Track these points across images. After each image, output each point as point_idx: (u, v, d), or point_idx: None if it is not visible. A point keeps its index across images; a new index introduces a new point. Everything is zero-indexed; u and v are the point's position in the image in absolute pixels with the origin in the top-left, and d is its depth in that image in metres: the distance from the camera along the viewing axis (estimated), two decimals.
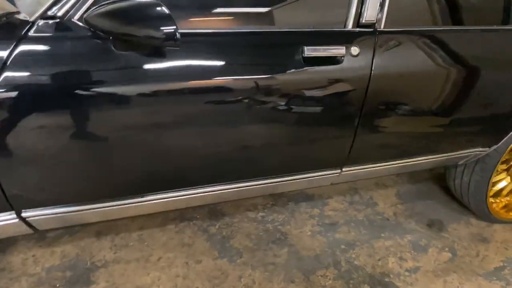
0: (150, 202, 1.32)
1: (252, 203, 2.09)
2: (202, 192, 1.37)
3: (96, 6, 0.99)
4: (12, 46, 0.98)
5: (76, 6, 1.02)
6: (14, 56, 0.97)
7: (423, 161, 1.69)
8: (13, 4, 1.21)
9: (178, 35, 0.99)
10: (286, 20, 1.29)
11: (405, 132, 1.53)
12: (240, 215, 2.01)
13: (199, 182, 1.35)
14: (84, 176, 1.17)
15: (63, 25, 1.02)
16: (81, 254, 1.72)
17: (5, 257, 1.66)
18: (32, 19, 1.01)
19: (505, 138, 1.74)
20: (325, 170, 1.52)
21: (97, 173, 1.18)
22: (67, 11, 1.02)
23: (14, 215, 1.18)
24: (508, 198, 2.16)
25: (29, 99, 1.00)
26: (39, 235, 1.78)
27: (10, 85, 0.97)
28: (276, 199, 2.14)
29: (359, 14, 1.29)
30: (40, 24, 1.00)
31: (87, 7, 1.02)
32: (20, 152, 1.05)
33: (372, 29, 1.32)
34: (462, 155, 1.76)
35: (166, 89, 1.11)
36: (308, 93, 1.27)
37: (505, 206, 2.15)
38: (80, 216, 1.26)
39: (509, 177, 2.07)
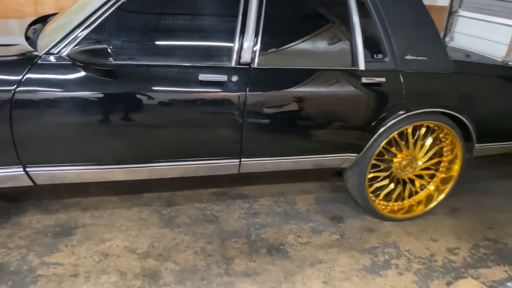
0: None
1: (200, 198, 2.82)
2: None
3: (75, 47, 1.87)
4: (27, 69, 1.85)
5: (63, 48, 1.90)
6: (27, 74, 1.85)
7: (304, 159, 2.40)
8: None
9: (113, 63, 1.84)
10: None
11: (281, 134, 2.28)
12: (189, 205, 2.73)
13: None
14: (80, 147, 1.99)
15: (57, 58, 1.90)
16: (69, 219, 2.48)
17: (18, 218, 2.45)
18: (40, 54, 1.90)
19: (366, 147, 2.43)
20: (227, 159, 2.26)
21: (85, 145, 2.00)
22: (59, 50, 1.90)
23: (21, 169, 1.99)
24: (399, 203, 2.78)
25: (35, 100, 1.85)
26: (43, 207, 2.57)
27: (25, 93, 1.84)
28: (219, 196, 2.85)
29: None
30: (43, 57, 1.89)
31: (70, 48, 1.90)
32: (34, 131, 1.90)
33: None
34: (338, 157, 2.46)
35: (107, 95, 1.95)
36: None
37: (398, 210, 2.76)
38: (69, 175, 2.06)
39: (392, 184, 2.71)
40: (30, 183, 2.07)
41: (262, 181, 3.08)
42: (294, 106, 2.24)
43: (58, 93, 1.89)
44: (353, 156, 2.47)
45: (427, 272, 2.30)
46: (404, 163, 2.63)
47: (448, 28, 4.59)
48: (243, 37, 2.11)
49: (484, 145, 2.71)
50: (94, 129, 2.00)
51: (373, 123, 2.38)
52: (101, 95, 1.94)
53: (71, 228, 2.40)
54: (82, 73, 1.91)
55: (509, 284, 2.07)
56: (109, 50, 1.84)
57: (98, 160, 2.09)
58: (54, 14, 2.85)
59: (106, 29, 1.96)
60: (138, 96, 2.00)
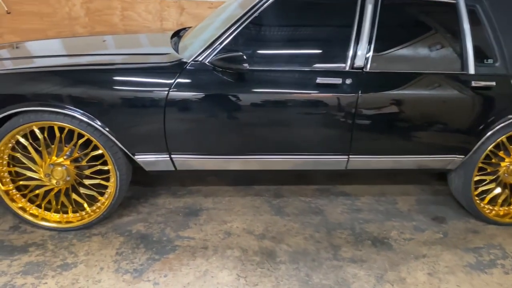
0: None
1: (304, 192, 3.07)
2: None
3: (214, 56, 2.25)
4: (178, 74, 2.27)
5: (206, 56, 2.29)
6: (178, 78, 2.26)
7: (409, 159, 2.54)
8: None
9: (248, 68, 2.19)
10: None
11: (388, 133, 2.46)
12: (294, 197, 3.00)
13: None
14: (215, 140, 2.38)
15: (201, 65, 2.29)
16: (194, 203, 2.89)
17: (154, 199, 2.91)
18: (188, 61, 2.31)
19: (473, 149, 2.50)
20: (337, 155, 2.50)
21: (220, 138, 2.38)
22: (203, 58, 2.29)
23: (168, 156, 2.42)
24: (505, 208, 2.78)
25: (183, 99, 2.26)
26: (172, 191, 3.01)
27: (176, 93, 2.25)
28: (322, 192, 3.09)
29: None
30: (191, 63, 2.29)
31: (211, 56, 2.28)
32: (180, 125, 2.31)
33: None
34: (443, 159, 2.56)
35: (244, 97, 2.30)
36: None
37: (504, 215, 2.76)
38: (204, 163, 2.46)
39: (499, 188, 2.72)
40: (172, 168, 2.49)
41: (362, 181, 3.25)
42: (402, 108, 2.40)
43: (201, 94, 2.28)
44: (459, 158, 2.56)
45: None
46: None
47: None
48: (357, 44, 2.34)
49: None
50: (227, 125, 2.36)
51: (481, 126, 2.45)
52: (233, 96, 2.29)
53: (197, 210, 2.80)
54: (220, 77, 2.28)
55: None
56: (244, 57, 2.18)
57: (227, 151, 2.45)
58: (185, 29, 3.33)
59: (239, 40, 2.32)
60: (264, 96, 2.33)
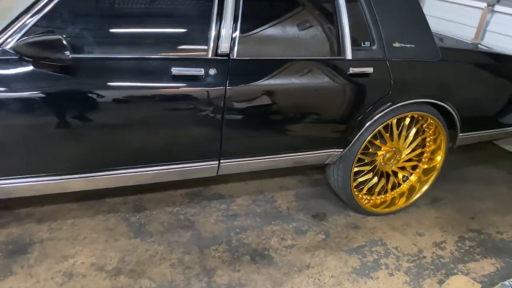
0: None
1: (171, 200, 2.57)
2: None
3: (19, 39, 1.55)
4: None
5: (7, 39, 1.57)
6: None
7: (286, 157, 2.21)
8: None
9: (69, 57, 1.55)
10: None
11: (266, 131, 2.08)
12: (159, 209, 2.48)
13: None
14: (32, 155, 1.68)
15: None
16: (23, 233, 2.17)
17: None
18: None
19: (352, 141, 2.28)
20: (204, 161, 2.04)
21: (48, 153, 1.70)
22: (2, 42, 1.57)
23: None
24: (381, 196, 2.68)
25: None
26: None
27: None
28: (193, 198, 2.62)
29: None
30: None
31: (15, 40, 1.57)
32: None
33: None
34: (322, 154, 2.29)
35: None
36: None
37: (381, 204, 2.66)
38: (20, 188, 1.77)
39: (376, 177, 2.59)
40: None
41: (238, 178, 2.87)
42: (276, 100, 2.04)
43: (3, 93, 1.57)
44: (338, 151, 2.32)
45: (417, 271, 2.21)
46: (388, 155, 2.51)
47: None
48: (220, 22, 1.86)
49: (467, 134, 2.64)
50: (48, 134, 1.71)
51: (360, 116, 2.22)
52: (54, 95, 1.64)
53: (26, 244, 2.10)
54: (31, 69, 1.60)
55: (506, 283, 2.02)
56: (64, 42, 1.53)
57: (55, 169, 1.80)
58: None
59: (60, 15, 1.65)
60: (100, 94, 1.72)
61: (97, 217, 2.36)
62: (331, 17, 2.10)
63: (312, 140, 2.23)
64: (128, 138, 1.86)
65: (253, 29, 1.97)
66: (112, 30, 1.80)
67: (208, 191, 2.71)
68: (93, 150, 1.82)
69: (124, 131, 1.84)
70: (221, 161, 2.07)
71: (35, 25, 1.61)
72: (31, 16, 1.61)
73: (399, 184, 2.72)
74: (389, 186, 2.66)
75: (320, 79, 2.09)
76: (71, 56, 1.56)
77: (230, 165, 2.11)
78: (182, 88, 1.84)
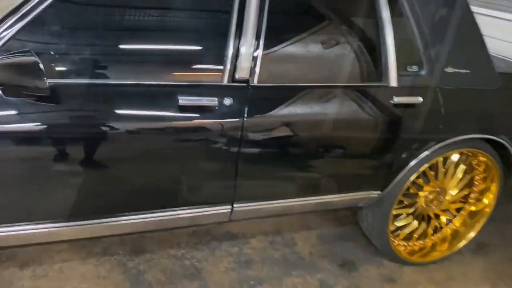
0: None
1: (176, 241, 2.23)
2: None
3: None
4: None
5: None
6: None
7: (314, 201, 1.85)
8: None
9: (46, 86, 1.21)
10: None
11: (289, 170, 1.72)
12: (162, 252, 2.14)
13: None
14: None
15: None
16: (1, 281, 1.85)
17: None
18: None
19: (392, 183, 1.91)
20: (212, 207, 1.69)
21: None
22: None
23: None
24: (420, 242, 2.29)
25: None
26: None
27: None
28: (201, 238, 2.27)
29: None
30: None
31: None
32: None
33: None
34: (355, 197, 1.93)
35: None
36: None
37: (419, 250, 2.28)
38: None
39: (416, 221, 2.21)
40: None
41: None
42: (302, 135, 1.69)
43: None
44: (375, 194, 1.95)
45: None
46: (431, 196, 2.13)
47: None
48: (239, 39, 1.52)
49: None
50: (31, 177, 1.39)
51: (404, 154, 1.85)
52: (32, 132, 1.32)
53: None
54: (2, 99, 1.27)
55: None
56: (41, 66, 1.20)
57: (39, 217, 1.48)
58: None
59: (34, 32, 1.32)
60: (89, 130, 1.39)
61: (90, 260, 2.02)
62: (373, 35, 1.74)
63: (344, 181, 1.87)
64: (126, 181, 1.53)
65: (279, 49, 1.63)
66: (105, 49, 1.46)
67: (218, 229, 2.35)
68: (85, 195, 1.49)
69: (121, 172, 1.51)
70: (235, 205, 1.72)
71: (12, 38, 1.29)
72: (7, 28, 1.29)
73: (441, 228, 2.33)
74: (430, 230, 2.27)
75: (356, 110, 1.72)
76: (48, 84, 1.22)
77: (246, 210, 1.76)
78: (190, 120, 1.50)
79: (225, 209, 1.72)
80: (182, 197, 1.64)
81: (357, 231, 2.44)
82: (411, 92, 1.77)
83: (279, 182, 1.75)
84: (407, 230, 2.20)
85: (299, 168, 1.78)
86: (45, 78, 1.21)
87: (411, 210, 2.15)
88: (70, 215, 1.52)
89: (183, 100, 1.44)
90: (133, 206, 1.58)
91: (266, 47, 1.56)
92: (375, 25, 1.73)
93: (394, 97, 1.74)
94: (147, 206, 1.60)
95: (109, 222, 1.57)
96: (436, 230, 2.31)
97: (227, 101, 1.50)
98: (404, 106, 1.77)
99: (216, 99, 1.48)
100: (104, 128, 1.39)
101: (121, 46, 1.50)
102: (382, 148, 1.82)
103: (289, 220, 2.51)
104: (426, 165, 1.94)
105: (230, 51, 1.51)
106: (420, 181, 2.07)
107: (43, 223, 1.48)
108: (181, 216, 1.66)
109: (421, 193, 2.12)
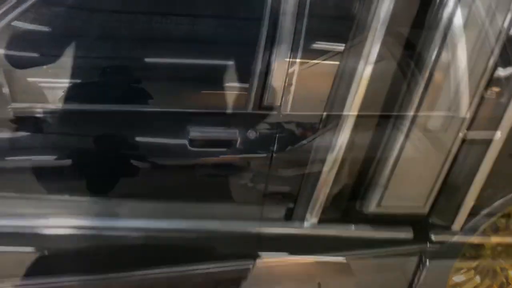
0: None
1: None
2: None
3: None
4: None
5: None
6: None
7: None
8: None
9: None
10: None
11: None
12: None
13: None
14: None
15: None
16: None
17: None
18: None
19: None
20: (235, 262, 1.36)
21: None
22: None
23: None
24: None
25: None
26: None
27: None
28: None
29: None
30: None
31: None
32: None
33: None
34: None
35: None
36: None
37: None
38: None
39: (478, 276, 1.82)
40: None
41: None
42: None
43: None
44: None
45: None
46: (500, 248, 1.75)
47: None
48: (270, 53, 1.17)
49: None
50: None
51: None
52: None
53: None
54: None
55: None
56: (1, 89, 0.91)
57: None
58: None
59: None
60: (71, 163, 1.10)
61: None
62: (439, 49, 1.38)
63: None
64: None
65: (321, 66, 1.28)
66: (93, 64, 1.14)
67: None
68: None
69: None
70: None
71: None
72: None
73: (508, 284, 1.93)
74: (496, 287, 1.87)
75: (416, 145, 1.36)
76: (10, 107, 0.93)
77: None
78: (204, 158, 1.18)
79: (247, 264, 1.38)
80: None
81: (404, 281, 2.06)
82: (488, 124, 1.38)
83: None
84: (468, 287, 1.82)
85: None
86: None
87: (473, 263, 1.77)
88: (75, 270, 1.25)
89: (195, 132, 1.12)
90: (136, 263, 1.28)
91: (304, 63, 1.22)
92: (442, 38, 1.36)
93: (465, 130, 1.36)
94: (153, 262, 1.29)
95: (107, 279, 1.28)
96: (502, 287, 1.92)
97: (252, 134, 1.17)
98: (477, 143, 1.39)
99: (237, 131, 1.15)
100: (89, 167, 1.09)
101: (125, 65, 1.18)
102: None
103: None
104: (499, 215, 1.56)
105: (257, 71, 1.16)
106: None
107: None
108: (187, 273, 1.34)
109: (487, 244, 1.74)
